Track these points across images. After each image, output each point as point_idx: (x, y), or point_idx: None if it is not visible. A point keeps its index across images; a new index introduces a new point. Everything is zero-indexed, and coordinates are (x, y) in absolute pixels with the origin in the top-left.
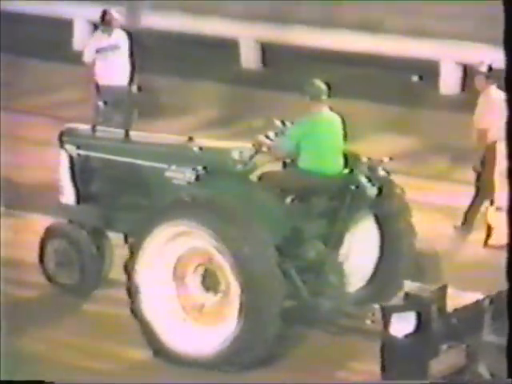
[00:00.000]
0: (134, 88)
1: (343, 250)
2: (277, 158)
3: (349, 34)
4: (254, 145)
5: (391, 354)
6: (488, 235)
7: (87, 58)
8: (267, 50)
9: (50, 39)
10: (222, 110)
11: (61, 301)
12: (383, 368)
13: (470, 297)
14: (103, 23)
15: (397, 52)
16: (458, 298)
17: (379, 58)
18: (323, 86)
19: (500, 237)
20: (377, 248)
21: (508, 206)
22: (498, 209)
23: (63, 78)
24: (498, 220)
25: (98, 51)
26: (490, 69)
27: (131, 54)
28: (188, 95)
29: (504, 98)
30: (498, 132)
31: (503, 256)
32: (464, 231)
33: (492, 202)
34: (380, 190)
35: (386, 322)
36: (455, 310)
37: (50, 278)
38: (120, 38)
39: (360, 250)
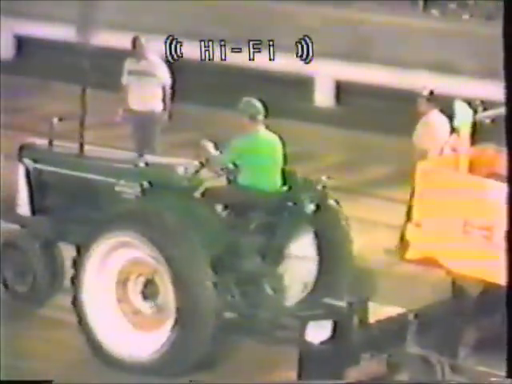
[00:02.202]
0: (164, 115)
1: (283, 264)
2: (216, 172)
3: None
4: (197, 157)
5: (307, 360)
6: (404, 249)
7: (123, 80)
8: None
9: None
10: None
11: (16, 306)
12: (299, 374)
13: (395, 311)
14: (133, 49)
15: None
16: (383, 312)
17: None
18: (260, 106)
19: (416, 252)
20: (316, 262)
21: (508, 206)
22: (418, 225)
23: None
24: (416, 236)
25: (129, 74)
26: (432, 93)
27: (173, 84)
28: None
29: (444, 122)
30: (435, 152)
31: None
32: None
33: (409, 218)
34: (318, 207)
35: (303, 330)
36: (377, 321)
37: (6, 286)
38: (153, 65)
39: (299, 264)
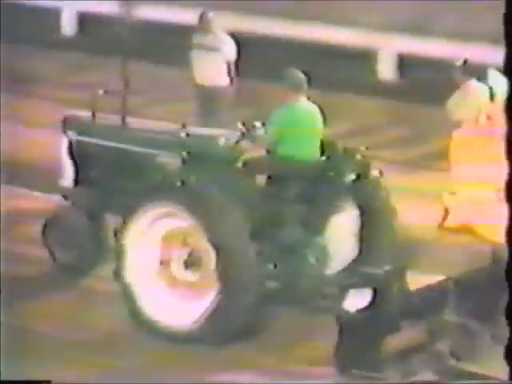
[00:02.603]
0: (232, 90)
1: (325, 234)
2: (260, 146)
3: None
4: (241, 133)
5: (346, 328)
6: (444, 218)
7: (189, 56)
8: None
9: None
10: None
11: (61, 277)
12: (339, 340)
13: (434, 279)
14: (199, 24)
15: None
16: (423, 280)
17: None
18: (302, 77)
19: (454, 219)
20: (357, 232)
21: (508, 202)
22: (453, 193)
23: None
24: (453, 203)
25: (195, 48)
26: (465, 62)
27: (237, 59)
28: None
29: (484, 91)
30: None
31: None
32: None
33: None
34: (358, 176)
35: (342, 299)
36: (417, 289)
37: (53, 257)
38: (219, 40)
39: (341, 234)
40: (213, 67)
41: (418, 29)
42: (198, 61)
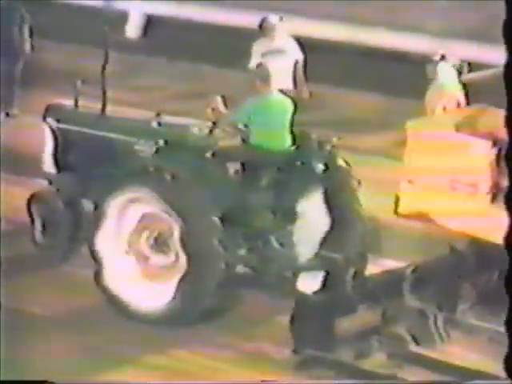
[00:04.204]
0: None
1: (294, 222)
2: (228, 131)
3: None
4: (212, 110)
5: (300, 308)
6: (397, 205)
7: (252, 63)
8: None
9: None
10: None
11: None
12: (292, 321)
13: (393, 265)
14: (262, 29)
15: None
16: (382, 266)
17: None
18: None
19: (408, 207)
20: (326, 220)
21: (507, 202)
22: (410, 181)
23: None
24: (408, 191)
25: (263, 55)
26: (443, 57)
27: (305, 63)
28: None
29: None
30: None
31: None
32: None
33: None
34: (326, 166)
35: (295, 281)
36: (374, 274)
37: (34, 240)
38: (285, 43)
39: (310, 222)
40: (278, 71)
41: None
42: (266, 65)
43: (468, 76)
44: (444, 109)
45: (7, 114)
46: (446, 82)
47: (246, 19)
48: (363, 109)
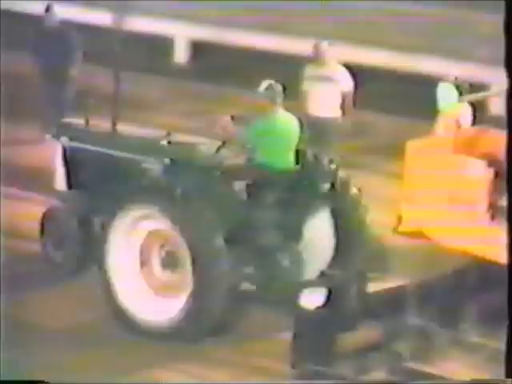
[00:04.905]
0: (341, 122)
1: (300, 240)
2: (235, 151)
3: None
4: (220, 129)
5: (301, 324)
6: (398, 223)
7: (303, 86)
8: None
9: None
10: None
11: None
12: (294, 336)
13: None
14: (313, 55)
15: None
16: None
17: None
18: (279, 88)
19: (407, 226)
20: (332, 239)
21: (508, 207)
22: (408, 200)
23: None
24: (407, 210)
25: (309, 80)
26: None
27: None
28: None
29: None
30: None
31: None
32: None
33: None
34: (332, 185)
35: (297, 296)
36: (377, 291)
37: (45, 254)
38: (334, 71)
39: (317, 240)
40: (326, 98)
41: None
42: (311, 91)
43: (469, 97)
44: (445, 129)
45: None
46: (447, 103)
47: (297, 46)
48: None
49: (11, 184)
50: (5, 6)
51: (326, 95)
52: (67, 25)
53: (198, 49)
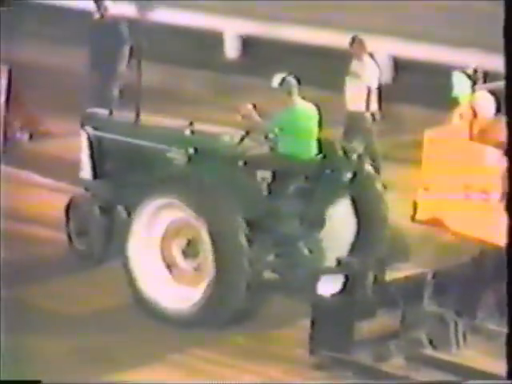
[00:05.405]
0: (368, 115)
1: (322, 228)
2: (258, 141)
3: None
4: (243, 116)
5: (318, 311)
6: (414, 211)
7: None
8: None
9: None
10: None
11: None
12: (312, 323)
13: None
14: (352, 49)
15: None
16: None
17: None
18: (293, 81)
19: (424, 214)
20: (354, 227)
21: (507, 204)
22: (426, 188)
23: None
24: (424, 198)
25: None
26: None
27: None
28: None
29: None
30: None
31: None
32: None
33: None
34: (354, 174)
35: (314, 284)
36: (395, 279)
37: (70, 242)
38: (361, 66)
39: (338, 228)
40: (356, 93)
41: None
42: (348, 86)
43: (485, 85)
44: (461, 118)
45: None
46: (462, 92)
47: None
48: None
49: (40, 173)
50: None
51: (353, 89)
52: (117, 19)
53: (249, 44)
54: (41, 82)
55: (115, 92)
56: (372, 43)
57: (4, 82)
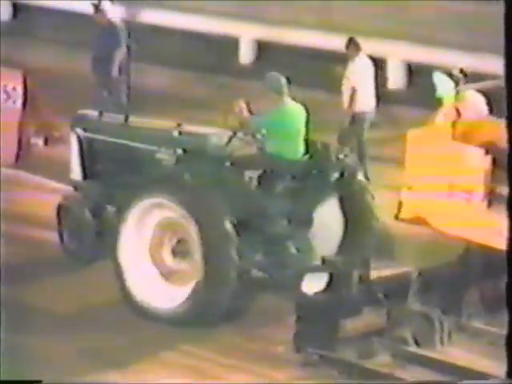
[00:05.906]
0: (371, 115)
1: (310, 227)
2: (247, 140)
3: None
4: (236, 111)
5: (303, 309)
6: (398, 210)
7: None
8: None
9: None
10: None
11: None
12: (297, 320)
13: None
14: (347, 50)
15: None
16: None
17: None
18: (283, 80)
19: (408, 212)
20: (341, 226)
21: (508, 203)
22: (409, 187)
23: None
24: (408, 197)
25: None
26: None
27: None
28: None
29: None
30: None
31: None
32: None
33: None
34: (341, 174)
35: (299, 282)
36: (380, 277)
37: (61, 241)
38: (357, 65)
39: (326, 228)
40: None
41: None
42: (344, 88)
43: (466, 86)
44: (445, 118)
45: None
46: (445, 92)
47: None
48: None
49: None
50: (58, 5)
51: (347, 91)
52: (115, 22)
53: (263, 49)
54: (56, 87)
55: (105, 94)
56: (386, 48)
57: (19, 87)
